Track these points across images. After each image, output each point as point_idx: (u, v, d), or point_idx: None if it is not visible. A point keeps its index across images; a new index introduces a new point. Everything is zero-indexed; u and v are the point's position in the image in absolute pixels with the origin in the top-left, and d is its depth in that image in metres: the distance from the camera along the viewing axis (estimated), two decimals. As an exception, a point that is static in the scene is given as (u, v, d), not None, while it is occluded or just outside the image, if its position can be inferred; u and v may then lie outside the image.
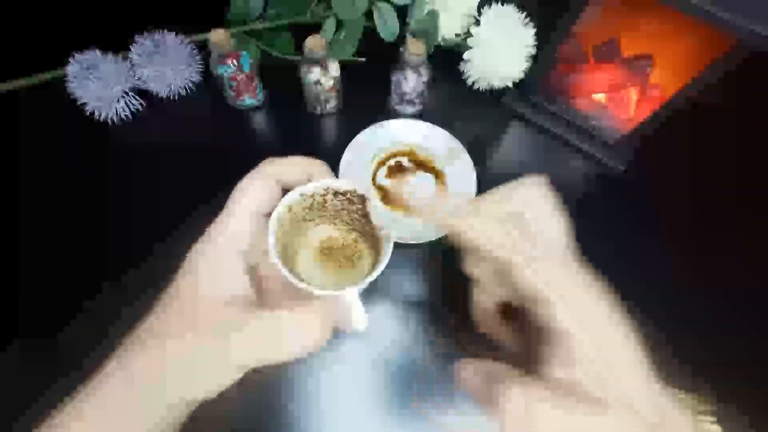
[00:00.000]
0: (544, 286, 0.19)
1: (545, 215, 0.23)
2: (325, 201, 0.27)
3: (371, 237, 0.28)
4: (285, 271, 0.22)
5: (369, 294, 0.38)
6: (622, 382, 0.19)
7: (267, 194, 0.23)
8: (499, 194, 0.23)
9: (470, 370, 0.21)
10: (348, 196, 0.26)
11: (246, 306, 0.21)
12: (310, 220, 0.28)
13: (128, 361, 0.20)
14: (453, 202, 0.43)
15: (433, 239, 0.39)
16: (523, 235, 0.21)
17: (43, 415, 0.20)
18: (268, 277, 0.24)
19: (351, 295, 0.23)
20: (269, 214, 0.24)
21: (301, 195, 0.25)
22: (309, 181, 0.25)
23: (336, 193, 0.26)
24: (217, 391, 0.21)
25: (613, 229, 0.43)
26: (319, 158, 0.26)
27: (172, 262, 0.22)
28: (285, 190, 0.25)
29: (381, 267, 0.23)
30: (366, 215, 0.26)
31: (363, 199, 0.26)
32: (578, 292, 0.19)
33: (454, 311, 0.37)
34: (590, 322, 0.19)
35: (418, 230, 0.40)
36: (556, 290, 0.19)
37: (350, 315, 0.23)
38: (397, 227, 0.40)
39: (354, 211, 0.27)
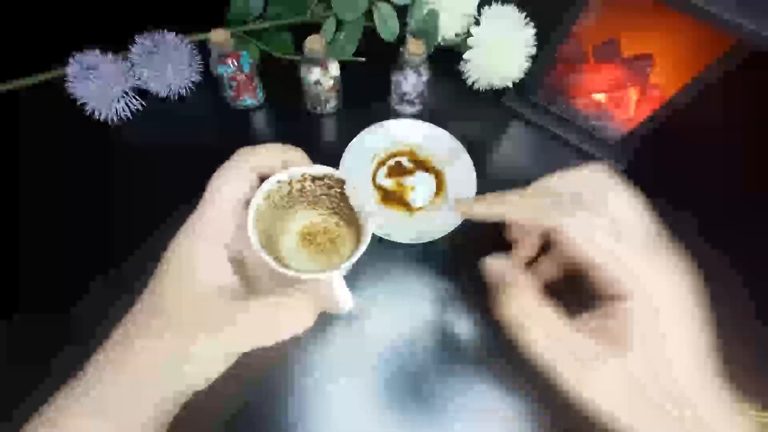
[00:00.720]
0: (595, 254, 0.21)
1: (617, 200, 0.23)
2: (303, 187, 0.27)
3: (353, 220, 0.28)
4: (268, 258, 0.22)
5: (369, 294, 0.38)
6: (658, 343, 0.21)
7: (244, 183, 0.23)
8: (558, 174, 0.24)
9: (493, 265, 0.26)
10: (326, 180, 0.26)
11: (235, 296, 0.21)
12: (291, 207, 0.28)
13: (123, 355, 0.20)
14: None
15: (433, 239, 0.39)
16: (576, 208, 0.21)
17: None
18: (254, 264, 0.24)
19: (335, 277, 0.23)
20: (248, 203, 0.24)
21: (278, 182, 0.25)
22: (286, 168, 0.25)
23: (314, 179, 0.26)
24: (212, 380, 0.21)
25: (613, 229, 0.43)
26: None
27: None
28: (262, 179, 0.24)
29: (363, 248, 0.23)
30: (347, 199, 0.26)
31: (341, 182, 0.26)
32: (643, 265, 0.21)
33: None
34: (649, 290, 0.21)
35: (418, 230, 0.40)
36: (602, 257, 0.21)
37: (336, 296, 0.24)
38: (397, 227, 0.40)
39: (334, 195, 0.27)
